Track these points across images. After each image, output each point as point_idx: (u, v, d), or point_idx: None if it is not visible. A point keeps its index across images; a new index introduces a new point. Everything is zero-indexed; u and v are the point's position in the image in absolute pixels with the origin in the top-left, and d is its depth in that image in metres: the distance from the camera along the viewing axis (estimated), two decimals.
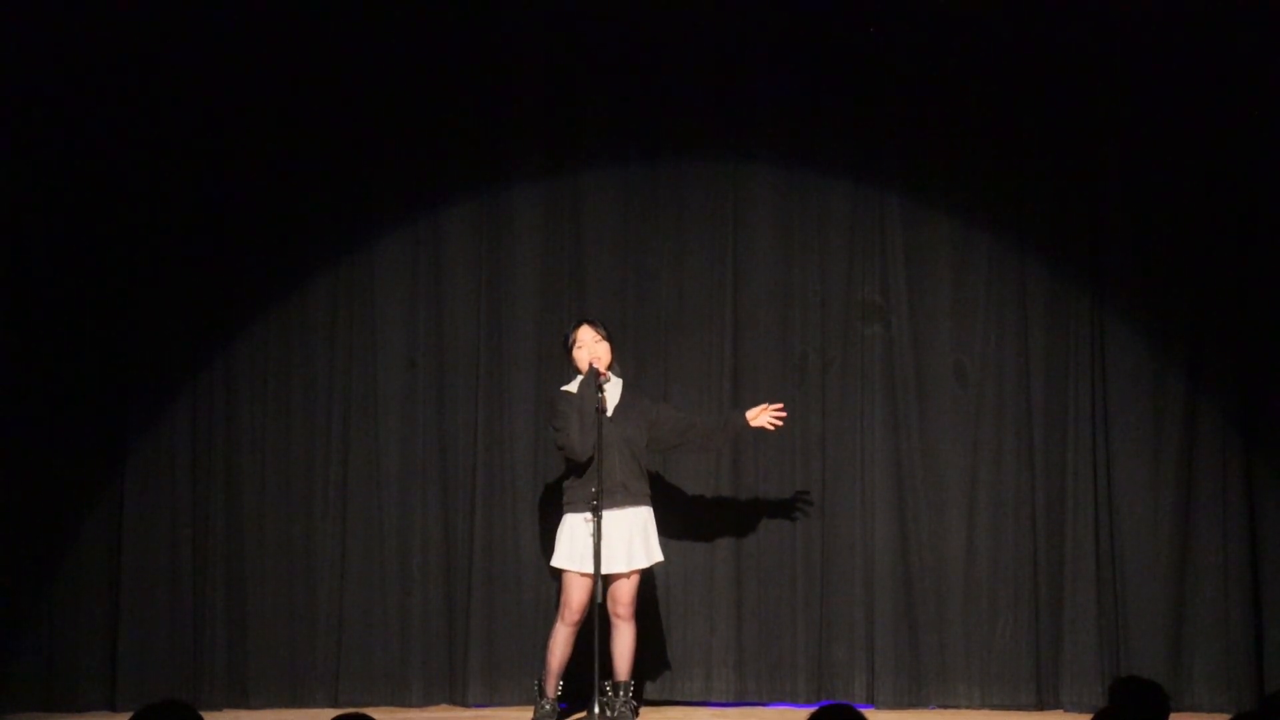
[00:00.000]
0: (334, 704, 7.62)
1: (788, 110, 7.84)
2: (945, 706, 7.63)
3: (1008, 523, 7.69)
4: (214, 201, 7.75)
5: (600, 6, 7.84)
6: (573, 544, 6.83)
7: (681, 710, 7.60)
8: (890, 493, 7.70)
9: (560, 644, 6.93)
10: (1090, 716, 4.19)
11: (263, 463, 7.75)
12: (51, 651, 7.55)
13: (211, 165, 7.75)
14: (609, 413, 6.87)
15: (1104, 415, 7.66)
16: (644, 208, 7.85)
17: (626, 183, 7.85)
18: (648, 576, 7.19)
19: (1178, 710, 5.44)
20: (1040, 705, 7.60)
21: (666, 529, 7.16)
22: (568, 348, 7.07)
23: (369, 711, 3.90)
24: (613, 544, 6.81)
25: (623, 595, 6.91)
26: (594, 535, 6.69)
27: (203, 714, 3.87)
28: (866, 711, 4.22)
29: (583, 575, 6.80)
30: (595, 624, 6.72)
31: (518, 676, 7.58)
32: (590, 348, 6.97)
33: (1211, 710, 7.40)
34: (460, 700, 7.68)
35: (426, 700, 7.69)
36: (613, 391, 6.96)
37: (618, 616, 6.92)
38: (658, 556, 7.00)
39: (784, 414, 7.17)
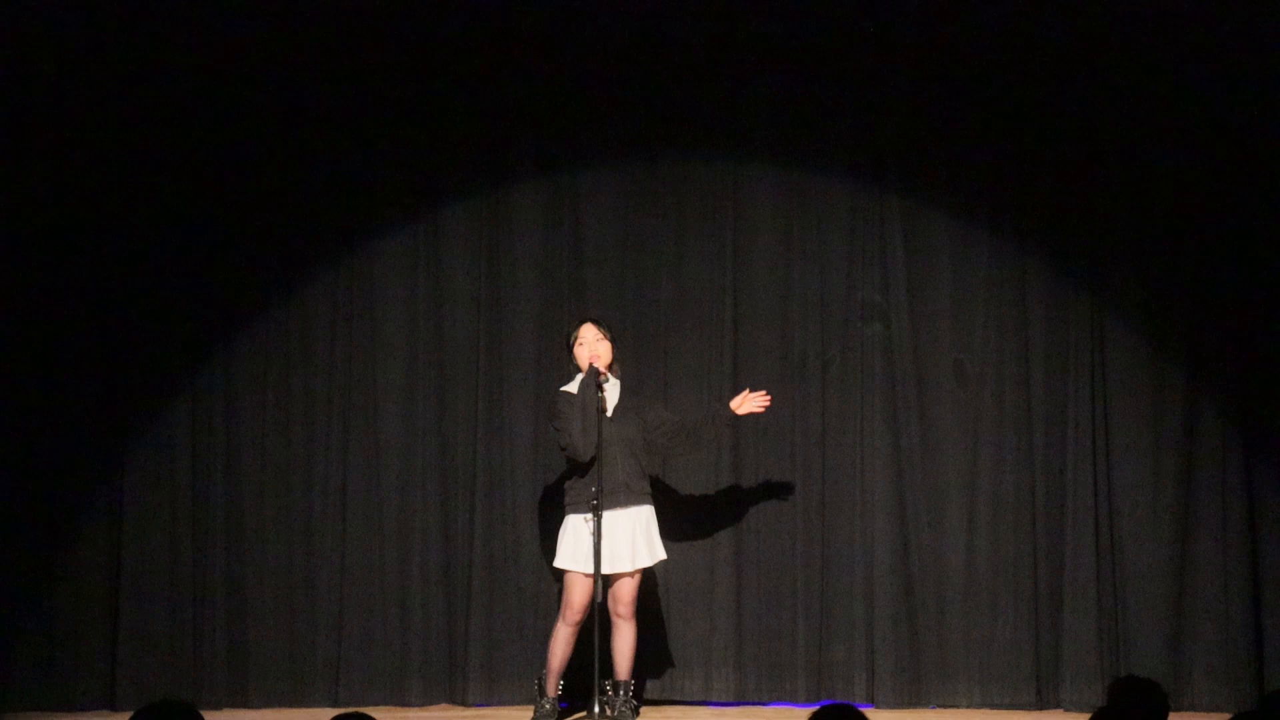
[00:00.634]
0: (334, 703, 7.63)
1: (787, 110, 7.84)
2: (945, 705, 7.63)
3: (1007, 522, 7.69)
4: (214, 201, 7.75)
5: (600, 6, 7.84)
6: (576, 544, 6.83)
7: (681, 709, 7.60)
8: (890, 492, 7.70)
9: (561, 643, 6.93)
10: (1090, 715, 4.19)
11: (263, 462, 7.76)
12: (52, 650, 7.56)
13: (211, 164, 7.75)
14: (609, 412, 6.87)
15: (1104, 414, 7.66)
16: (644, 207, 7.86)
17: (626, 182, 7.86)
18: (649, 575, 7.20)
19: (1177, 709, 5.44)
20: (1040, 704, 7.60)
21: (667, 529, 7.15)
22: (569, 345, 7.08)
23: (369, 710, 3.90)
24: (616, 543, 6.81)
25: (624, 594, 6.91)
26: (594, 534, 6.69)
27: (203, 713, 3.87)
28: (867, 711, 4.22)
29: (586, 575, 6.80)
30: (596, 624, 6.73)
31: (517, 676, 7.58)
32: (591, 345, 6.98)
33: (1211, 709, 7.40)
34: (460, 699, 7.68)
35: (426, 699, 7.69)
36: (611, 392, 6.96)
37: (619, 616, 6.93)
38: (661, 555, 7.01)
39: (769, 399, 7.16)
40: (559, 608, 7.05)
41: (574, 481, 6.91)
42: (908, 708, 7.59)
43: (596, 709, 6.74)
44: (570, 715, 7.16)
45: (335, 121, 7.80)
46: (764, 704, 7.68)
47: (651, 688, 7.64)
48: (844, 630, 7.67)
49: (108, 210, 7.68)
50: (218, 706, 7.54)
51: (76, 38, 7.63)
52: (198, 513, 7.68)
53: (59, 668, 7.57)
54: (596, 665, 6.73)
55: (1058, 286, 7.75)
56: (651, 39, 7.84)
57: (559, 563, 6.93)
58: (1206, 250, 7.67)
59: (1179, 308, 7.69)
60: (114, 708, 7.52)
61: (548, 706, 6.97)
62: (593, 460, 6.78)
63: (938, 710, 7.62)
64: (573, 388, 6.96)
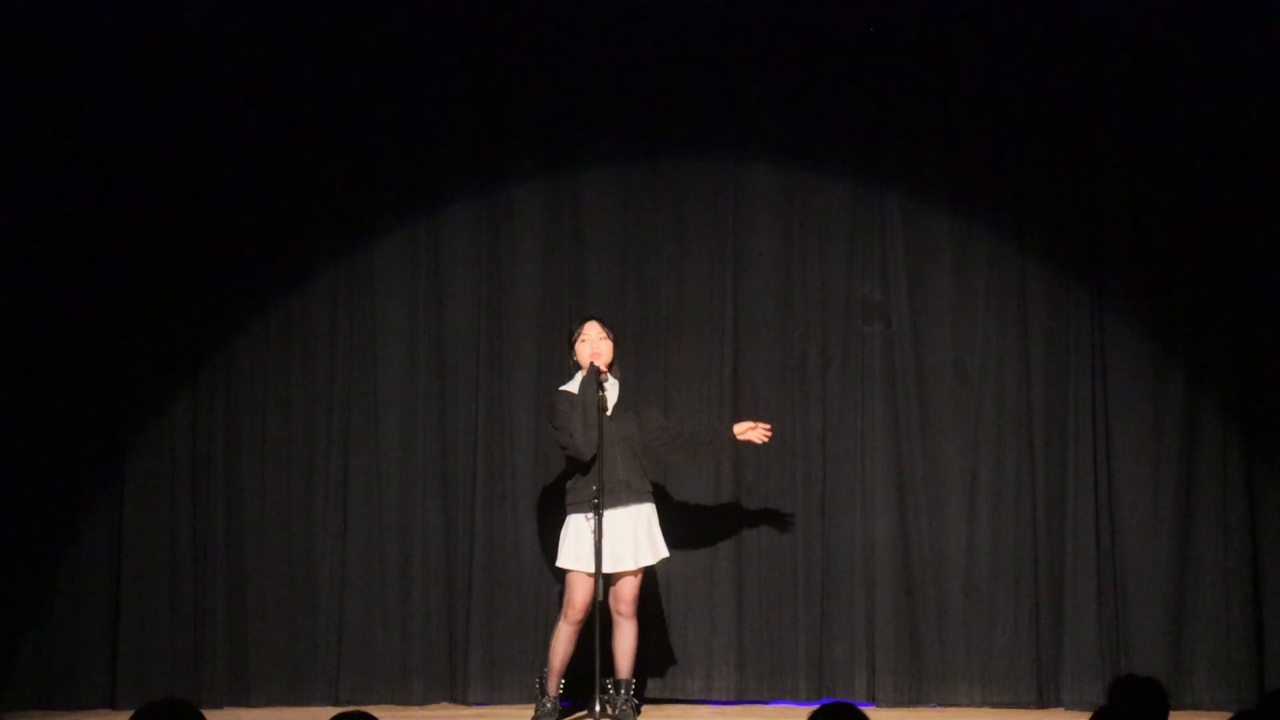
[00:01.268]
0: (335, 702, 7.63)
1: (788, 109, 7.84)
2: (946, 704, 7.63)
3: (1008, 521, 7.69)
4: (214, 201, 7.75)
5: (601, 5, 7.84)
6: (579, 544, 6.83)
7: (682, 708, 7.61)
8: (891, 491, 7.70)
9: (563, 643, 6.93)
10: (1091, 714, 4.19)
11: (263, 462, 7.76)
12: (52, 649, 7.56)
13: (212, 165, 7.76)
14: (608, 411, 6.87)
15: (1104, 413, 7.66)
16: (644, 207, 7.86)
17: (627, 182, 7.86)
18: (650, 573, 7.20)
19: (1178, 708, 5.44)
20: (1041, 703, 7.60)
21: (668, 528, 7.16)
22: (571, 342, 7.08)
23: (370, 709, 3.90)
24: (619, 542, 6.82)
25: (626, 593, 6.91)
26: (595, 533, 6.70)
27: (204, 712, 3.87)
28: (867, 710, 4.22)
29: (589, 575, 6.80)
30: (597, 622, 6.73)
31: (519, 674, 7.59)
32: (594, 343, 6.98)
33: (1212, 708, 7.40)
34: (461, 698, 7.69)
35: (427, 698, 7.70)
36: (611, 391, 6.96)
37: (620, 614, 6.93)
38: (663, 552, 7.02)
39: (770, 432, 7.17)
40: (560, 607, 7.05)
41: (575, 481, 6.91)
42: (908, 706, 7.60)
43: (598, 707, 6.74)
44: (571, 713, 7.17)
45: (335, 121, 7.80)
46: (765, 703, 7.69)
47: (653, 686, 7.65)
48: (845, 629, 7.67)
49: (108, 210, 7.69)
50: (218, 705, 7.54)
51: (77, 38, 7.64)
52: (198, 512, 7.69)
53: (60, 667, 7.57)
54: (598, 664, 6.73)
55: (1058, 285, 7.75)
56: (652, 38, 7.84)
57: (562, 563, 6.93)
58: (1207, 249, 7.67)
59: (1179, 306, 7.69)
60: (115, 706, 7.52)
61: (549, 705, 6.97)
62: (593, 459, 6.78)
63: (938, 709, 7.62)
64: (572, 386, 6.96)
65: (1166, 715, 4.42)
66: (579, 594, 6.87)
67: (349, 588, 7.72)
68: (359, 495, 7.76)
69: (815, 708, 4.05)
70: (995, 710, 7.58)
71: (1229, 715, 4.48)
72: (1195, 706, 7.45)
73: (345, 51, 7.80)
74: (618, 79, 7.86)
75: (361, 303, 7.83)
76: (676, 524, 7.45)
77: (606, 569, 6.76)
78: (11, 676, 7.52)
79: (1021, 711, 7.57)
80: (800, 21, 7.82)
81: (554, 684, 6.96)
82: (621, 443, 6.90)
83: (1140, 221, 7.72)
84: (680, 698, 7.68)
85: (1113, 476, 7.64)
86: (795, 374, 7.80)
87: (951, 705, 7.63)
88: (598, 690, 6.74)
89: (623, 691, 6.93)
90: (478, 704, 7.65)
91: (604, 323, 7.08)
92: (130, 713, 3.80)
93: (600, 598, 6.72)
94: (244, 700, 7.64)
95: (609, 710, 6.86)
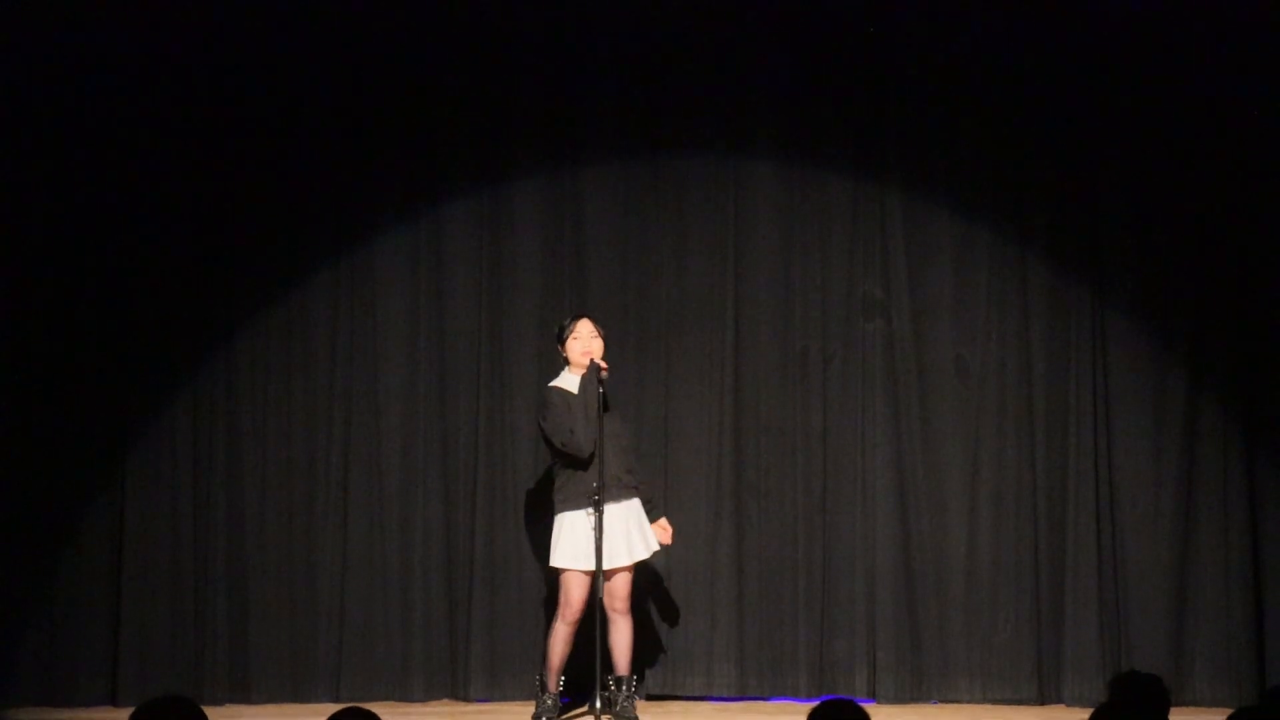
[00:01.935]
0: (335, 699, 7.63)
1: (788, 106, 7.84)
2: (946, 701, 7.63)
3: (1009, 517, 7.69)
4: (214, 199, 7.75)
5: (601, 5, 7.83)
6: (575, 543, 6.83)
7: (684, 705, 7.61)
8: (891, 487, 7.70)
9: (561, 642, 6.93)
10: (1091, 711, 4.19)
11: (263, 459, 7.76)
12: (54, 646, 7.56)
13: (212, 163, 7.75)
14: (608, 409, 6.87)
15: (1105, 410, 7.66)
16: (645, 204, 7.86)
17: (627, 179, 7.85)
18: (644, 566, 7.20)
19: (1179, 705, 5.45)
20: (1041, 700, 7.60)
21: (668, 524, 7.16)
22: (561, 338, 7.06)
23: (371, 706, 3.90)
24: (614, 538, 6.82)
25: (621, 589, 6.91)
26: (595, 530, 6.69)
27: (204, 709, 3.86)
28: (868, 706, 4.21)
29: (586, 573, 6.81)
30: (597, 619, 6.73)
31: (519, 671, 7.59)
32: (586, 341, 6.98)
33: (1212, 705, 7.40)
34: (462, 695, 7.69)
35: (428, 695, 7.70)
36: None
37: (615, 611, 6.92)
38: (655, 545, 7.02)
39: (669, 540, 7.10)
40: (554, 607, 7.04)
41: (567, 479, 6.90)
42: (909, 703, 7.60)
43: (599, 704, 6.74)
44: (572, 709, 7.17)
45: (335, 121, 7.80)
46: (765, 699, 7.69)
47: (653, 683, 7.65)
48: (845, 626, 7.67)
49: (108, 210, 7.68)
50: (219, 702, 7.54)
51: (76, 37, 7.62)
52: (199, 509, 7.68)
53: (61, 664, 7.57)
54: (599, 661, 6.73)
55: (1059, 282, 7.75)
56: (652, 37, 7.83)
57: (558, 562, 6.92)
58: (1208, 246, 7.67)
59: (1180, 303, 7.69)
60: (116, 703, 7.52)
61: (549, 702, 6.97)
62: (591, 456, 6.78)
63: (939, 705, 7.62)
64: (562, 383, 6.96)
65: (1167, 712, 4.41)
66: (575, 593, 6.86)
67: (350, 585, 7.72)
68: (359, 493, 7.76)
69: (816, 704, 4.04)
70: (996, 706, 7.58)
71: (1230, 711, 4.46)
72: (1196, 703, 7.45)
73: (345, 50, 7.79)
74: (618, 76, 7.85)
75: (362, 301, 7.82)
76: (677, 521, 7.45)
77: (604, 566, 6.76)
78: (13, 674, 7.51)
79: (1022, 708, 7.57)
80: (801, 18, 7.81)
81: (554, 681, 6.97)
82: (612, 439, 6.89)
83: (1141, 218, 7.72)
84: (681, 694, 7.68)
85: (1113, 473, 7.64)
86: (796, 371, 7.80)
87: (952, 702, 7.63)
88: (599, 687, 6.74)
89: (623, 688, 6.93)
90: (479, 700, 7.65)
91: (595, 320, 7.07)
92: (131, 709, 3.80)
93: (600, 595, 6.71)
94: (245, 697, 7.64)
95: (611, 707, 6.86)
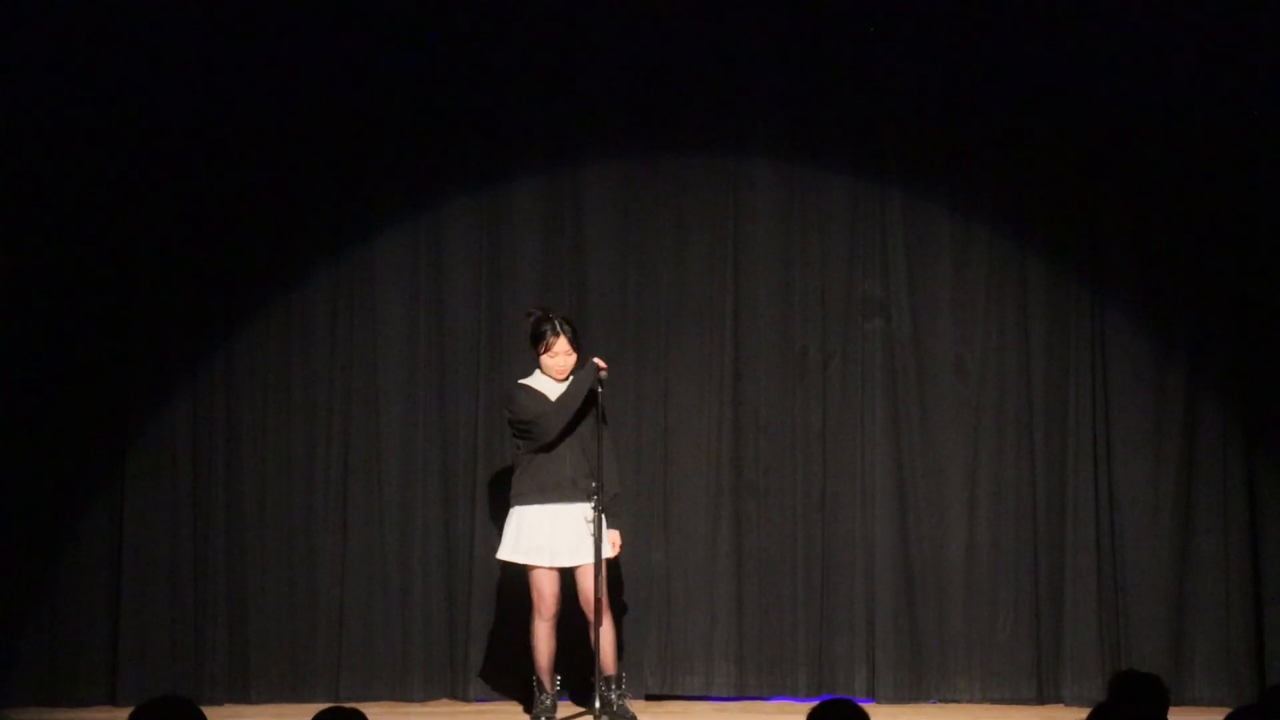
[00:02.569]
0: (335, 699, 7.61)
1: (788, 105, 7.83)
2: (946, 700, 7.63)
3: (1008, 517, 7.69)
4: (214, 199, 7.74)
5: (601, 5, 7.83)
6: (533, 537, 6.79)
7: (682, 704, 7.61)
8: (891, 487, 7.70)
9: (542, 640, 6.89)
10: (1090, 710, 4.19)
11: (263, 458, 7.75)
12: (53, 646, 7.56)
13: (211, 162, 7.75)
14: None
15: (1104, 410, 7.66)
16: (644, 203, 7.85)
17: (627, 178, 7.85)
18: (644, 565, 7.17)
19: (1178, 704, 5.44)
20: (1041, 699, 7.60)
21: (668, 524, 7.16)
22: (537, 345, 6.93)
23: (370, 706, 3.90)
24: (567, 538, 6.80)
25: (584, 590, 6.85)
26: (594, 525, 6.68)
27: (203, 709, 3.87)
28: (867, 706, 4.21)
29: (550, 569, 6.80)
30: (595, 620, 6.72)
31: (519, 671, 7.57)
32: (562, 359, 6.90)
33: (1212, 704, 7.39)
34: (462, 695, 7.69)
35: (427, 695, 7.70)
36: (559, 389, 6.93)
37: (587, 611, 6.84)
38: (586, 559, 6.79)
39: (617, 552, 6.97)
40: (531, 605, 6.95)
41: (525, 471, 6.86)
42: (908, 702, 7.60)
43: (598, 704, 6.73)
44: (570, 708, 7.16)
45: (335, 120, 7.79)
46: (764, 699, 7.68)
47: (652, 682, 7.66)
48: (845, 625, 7.67)
49: (107, 208, 7.68)
50: (219, 702, 7.53)
51: (76, 36, 7.62)
52: (198, 509, 7.68)
53: (60, 663, 7.57)
54: (598, 661, 6.73)
55: (1058, 282, 7.75)
56: (652, 35, 7.83)
57: (507, 555, 6.87)
58: (1207, 245, 7.67)
59: (1180, 303, 7.69)
60: (115, 703, 7.51)
61: (548, 702, 6.97)
62: (547, 449, 6.78)
63: (938, 705, 7.62)
64: (534, 383, 6.91)
65: (1166, 711, 4.41)
66: (545, 588, 6.84)
67: (349, 585, 7.71)
68: (359, 492, 7.76)
69: (815, 704, 4.05)
70: (995, 706, 7.58)
71: (1229, 711, 4.46)
72: (1195, 702, 7.45)
73: (345, 48, 7.78)
74: (618, 76, 7.85)
75: (361, 299, 7.82)
76: (676, 520, 7.45)
77: (567, 563, 6.78)
78: (12, 673, 7.51)
79: (1022, 707, 7.57)
80: (801, 17, 7.81)
81: (548, 681, 6.95)
82: (575, 439, 6.87)
83: (1140, 218, 7.71)
84: (679, 694, 7.68)
85: (1113, 472, 7.64)
86: (795, 370, 7.80)
87: (951, 701, 7.63)
88: (597, 688, 6.73)
89: (613, 687, 6.90)
90: (478, 700, 7.65)
91: (575, 333, 6.95)
92: (130, 709, 3.80)
93: (600, 594, 6.68)
94: (244, 697, 7.64)
95: (610, 708, 6.84)
